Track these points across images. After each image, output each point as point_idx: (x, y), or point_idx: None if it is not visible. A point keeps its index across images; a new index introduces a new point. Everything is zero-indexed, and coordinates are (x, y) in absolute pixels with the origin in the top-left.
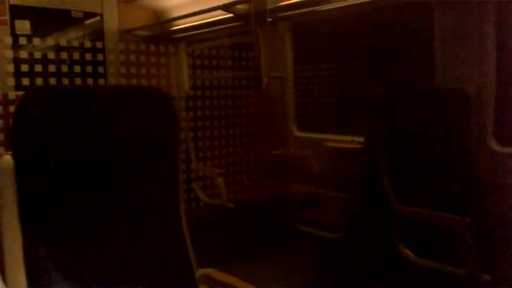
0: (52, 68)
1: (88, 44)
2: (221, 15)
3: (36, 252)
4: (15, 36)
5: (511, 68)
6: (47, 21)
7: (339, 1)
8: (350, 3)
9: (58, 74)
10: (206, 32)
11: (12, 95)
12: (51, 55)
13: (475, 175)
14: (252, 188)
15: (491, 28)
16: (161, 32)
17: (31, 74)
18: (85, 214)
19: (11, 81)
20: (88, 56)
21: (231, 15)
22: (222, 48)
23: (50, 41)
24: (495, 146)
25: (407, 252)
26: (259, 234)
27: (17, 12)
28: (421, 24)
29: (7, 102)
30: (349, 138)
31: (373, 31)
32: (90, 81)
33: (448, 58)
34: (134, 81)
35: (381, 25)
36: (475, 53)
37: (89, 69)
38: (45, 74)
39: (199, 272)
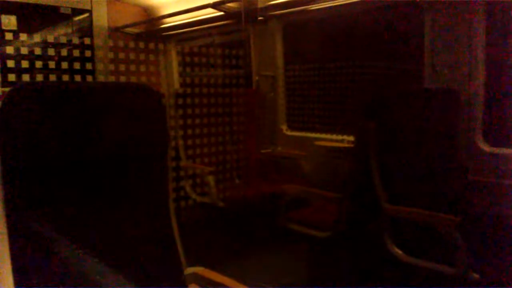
0: (39, 64)
1: (76, 40)
2: (211, 13)
3: (23, 251)
4: (1, 32)
5: (500, 69)
6: (34, 16)
7: (330, 1)
8: (341, 3)
9: (45, 70)
10: (196, 30)
11: None
12: (38, 51)
13: (465, 175)
14: (242, 186)
15: (481, 28)
16: (150, 30)
17: (18, 70)
18: (72, 213)
19: None
20: (76, 53)
21: (221, 13)
22: (212, 46)
23: (38, 37)
24: (484, 146)
25: (397, 251)
26: (250, 233)
27: (4, 7)
28: (411, 25)
29: None
30: (339, 137)
31: (363, 31)
32: (78, 78)
33: (437, 58)
34: (123, 79)
35: (372, 25)
36: (465, 53)
37: (77, 65)
38: (32, 70)
39: (189, 270)
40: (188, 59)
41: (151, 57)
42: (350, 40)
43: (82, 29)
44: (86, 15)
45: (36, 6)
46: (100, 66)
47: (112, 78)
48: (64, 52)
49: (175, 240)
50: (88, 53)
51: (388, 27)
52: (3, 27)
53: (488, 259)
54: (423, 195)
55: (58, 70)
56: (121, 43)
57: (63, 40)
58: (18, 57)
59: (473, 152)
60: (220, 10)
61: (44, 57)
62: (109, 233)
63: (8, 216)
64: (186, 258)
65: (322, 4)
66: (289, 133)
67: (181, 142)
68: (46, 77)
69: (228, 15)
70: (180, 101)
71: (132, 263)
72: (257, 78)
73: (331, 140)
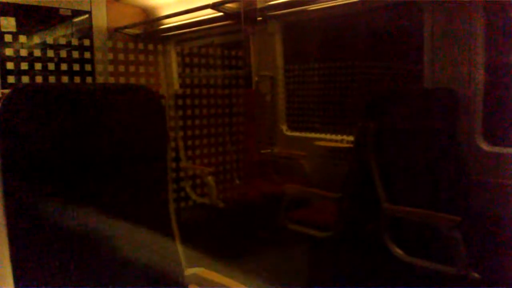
0: (38, 66)
1: (75, 42)
2: (210, 13)
3: (23, 251)
4: (0, 33)
5: (499, 68)
6: (34, 18)
7: (329, 1)
8: (340, 3)
9: (45, 72)
10: (195, 31)
11: None
12: (37, 53)
13: (465, 174)
14: (242, 187)
15: (480, 29)
16: (150, 31)
17: (17, 72)
18: (72, 212)
19: None
20: (76, 54)
21: (220, 13)
22: (211, 46)
23: (37, 39)
24: (484, 145)
25: (398, 251)
26: (250, 233)
27: (3, 9)
28: (411, 25)
29: None
30: (339, 137)
31: (363, 31)
32: (77, 79)
33: (437, 58)
34: (122, 80)
35: (372, 25)
36: (464, 53)
37: (76, 67)
38: (31, 72)
39: (189, 271)
40: (187, 60)
41: (151, 58)
42: (349, 40)
43: (82, 30)
44: (85, 16)
45: (36, 7)
46: (99, 68)
47: (111, 79)
48: (63, 54)
49: (175, 241)
50: (87, 55)
51: (388, 27)
52: (2, 29)
53: (488, 259)
54: (423, 194)
55: (57, 71)
56: (120, 44)
57: (63, 41)
58: (17, 59)
59: (473, 151)
60: (220, 11)
61: (43, 59)
62: (108, 233)
63: (8, 217)
64: (186, 259)
65: (321, 4)
66: (289, 133)
67: (181, 143)
68: (45, 79)
69: (228, 15)
70: (180, 102)
71: (131, 264)
72: (256, 78)
73: (331, 140)
